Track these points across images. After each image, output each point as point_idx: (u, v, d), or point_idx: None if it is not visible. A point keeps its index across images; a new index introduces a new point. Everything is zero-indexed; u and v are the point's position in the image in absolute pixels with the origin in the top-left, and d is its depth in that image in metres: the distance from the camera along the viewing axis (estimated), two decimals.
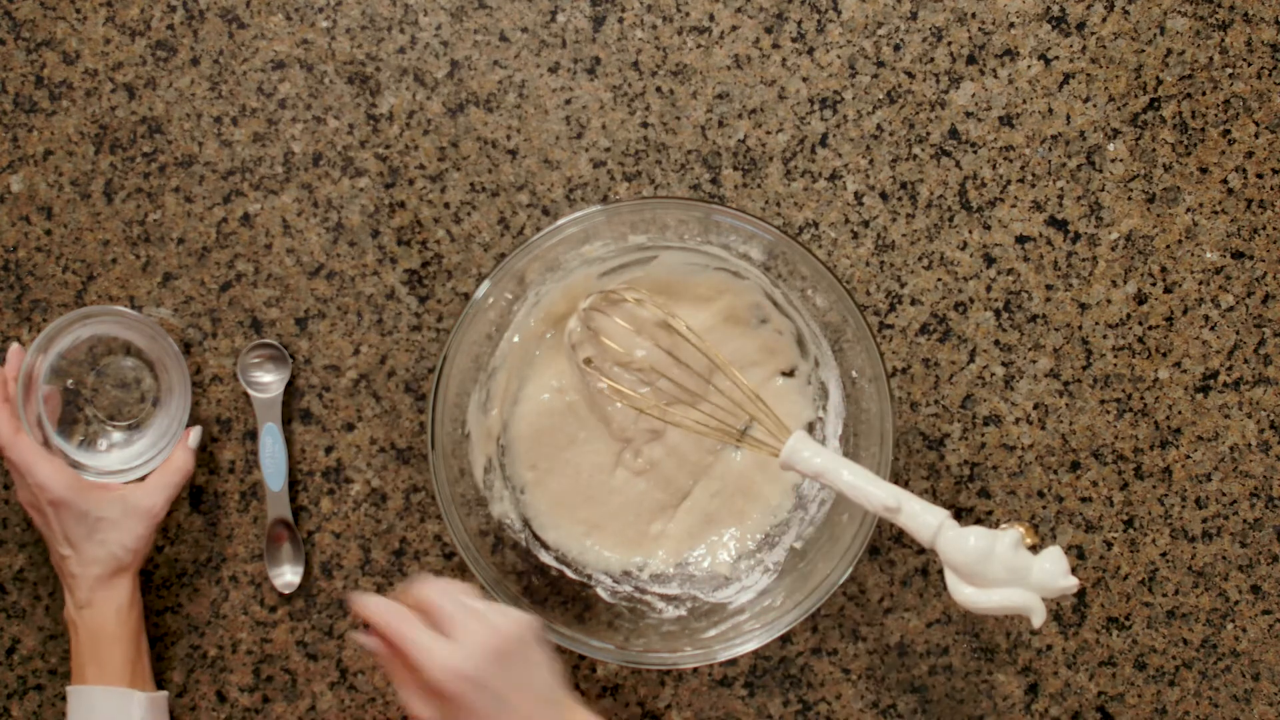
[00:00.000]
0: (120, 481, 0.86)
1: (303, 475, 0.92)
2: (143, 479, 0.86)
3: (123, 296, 0.92)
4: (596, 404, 0.89)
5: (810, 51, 0.92)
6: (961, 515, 0.93)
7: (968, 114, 0.92)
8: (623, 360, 0.87)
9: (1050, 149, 0.92)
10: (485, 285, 0.82)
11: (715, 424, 0.86)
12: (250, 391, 0.90)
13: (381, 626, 0.71)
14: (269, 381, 0.91)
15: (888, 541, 0.93)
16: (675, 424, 0.86)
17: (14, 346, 0.85)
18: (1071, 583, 0.73)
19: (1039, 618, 0.73)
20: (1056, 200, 0.92)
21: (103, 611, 0.83)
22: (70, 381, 0.89)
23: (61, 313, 0.92)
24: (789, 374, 0.91)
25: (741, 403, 0.86)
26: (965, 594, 0.75)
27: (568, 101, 0.92)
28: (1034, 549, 0.74)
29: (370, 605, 0.72)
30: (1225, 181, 0.92)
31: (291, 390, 0.92)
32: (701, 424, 0.86)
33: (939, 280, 0.92)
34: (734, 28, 0.91)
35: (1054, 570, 0.73)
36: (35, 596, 0.93)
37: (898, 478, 0.92)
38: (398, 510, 0.92)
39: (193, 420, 0.90)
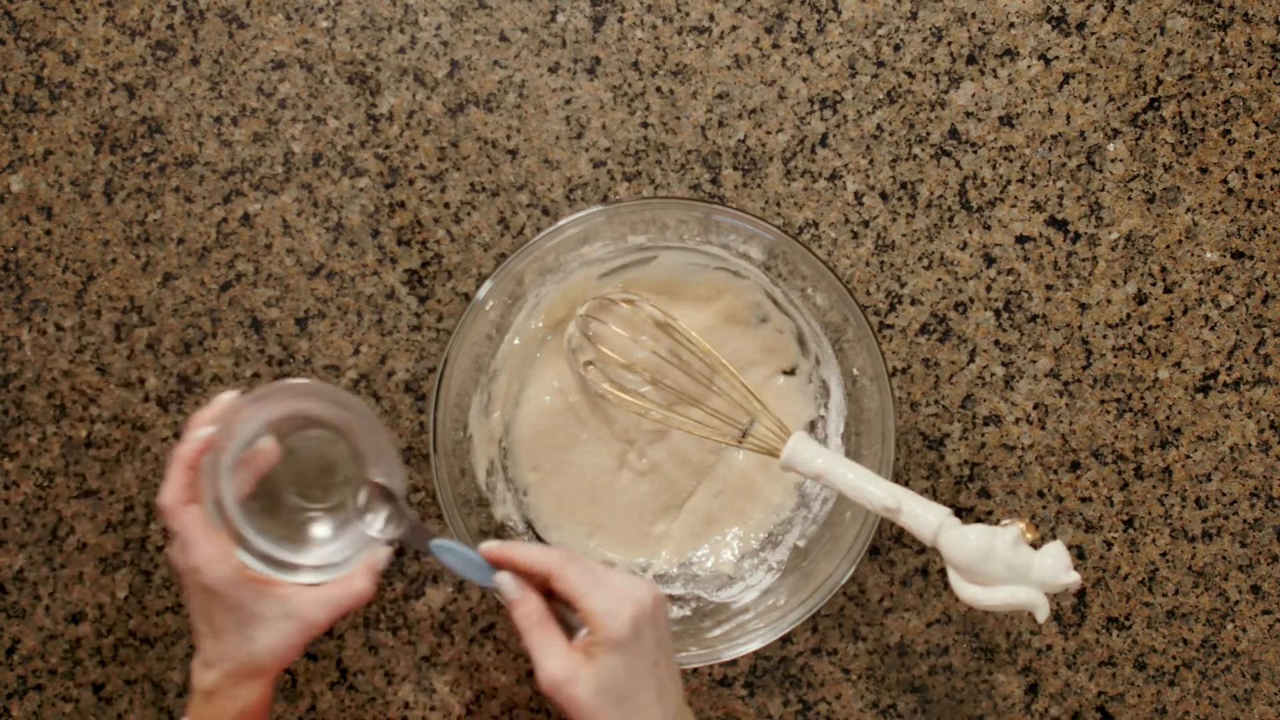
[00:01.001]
0: (290, 581, 0.74)
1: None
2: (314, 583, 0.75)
3: (123, 296, 0.92)
4: (599, 405, 0.89)
5: (810, 51, 0.92)
6: (962, 515, 0.93)
7: (968, 114, 0.92)
8: (622, 364, 0.87)
9: (1050, 149, 0.92)
10: (486, 286, 0.82)
11: (716, 425, 0.86)
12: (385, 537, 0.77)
13: (552, 569, 0.70)
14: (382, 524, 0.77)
15: (888, 541, 0.93)
16: (676, 426, 0.86)
17: (225, 395, 0.74)
18: (1074, 578, 0.73)
19: (1042, 613, 0.73)
20: (1056, 200, 0.92)
21: (223, 710, 0.74)
22: (263, 441, 0.76)
23: (62, 314, 0.92)
24: (790, 373, 0.91)
25: (742, 402, 0.86)
26: (968, 592, 0.75)
27: (568, 101, 0.92)
28: (1035, 545, 0.74)
29: (538, 552, 0.71)
30: (1225, 181, 0.92)
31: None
32: (702, 424, 0.86)
33: (939, 280, 0.92)
34: (734, 28, 0.91)
35: (1055, 566, 0.73)
36: (35, 596, 0.93)
37: (898, 477, 0.92)
38: None
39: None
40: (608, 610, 0.68)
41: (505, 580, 0.73)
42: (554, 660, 0.69)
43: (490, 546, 0.73)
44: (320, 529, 0.78)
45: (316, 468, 0.77)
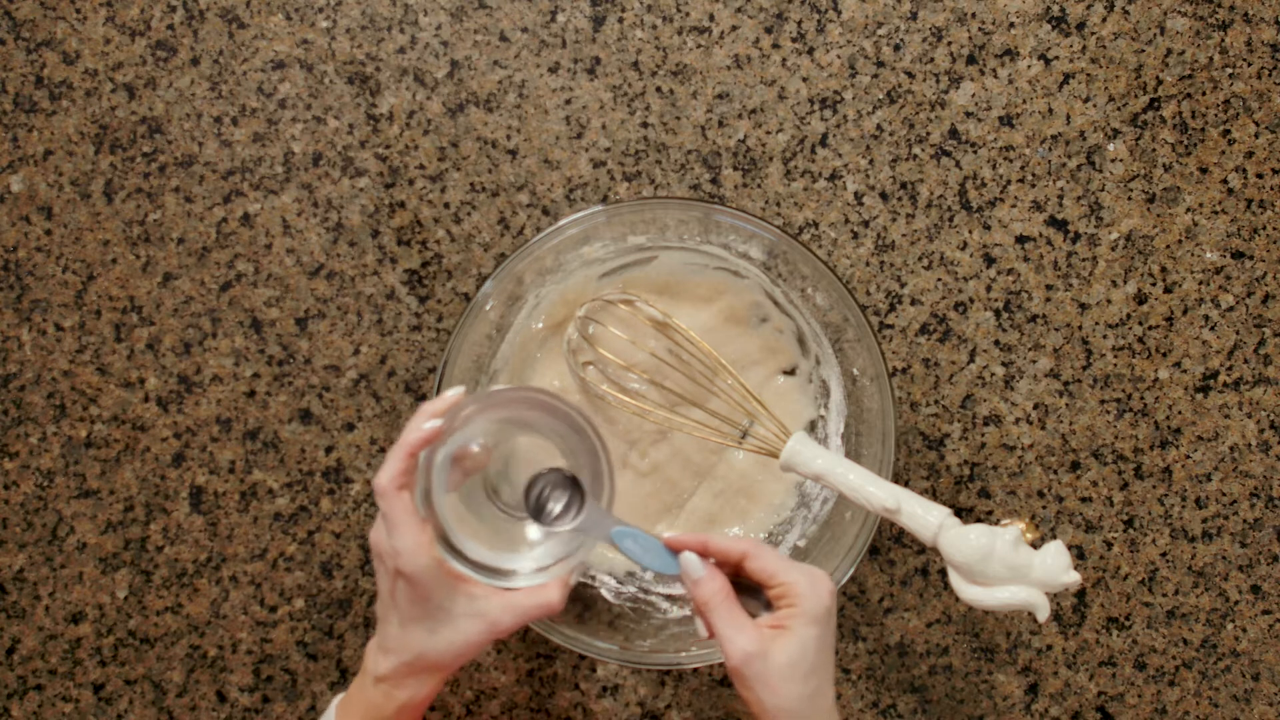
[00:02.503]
0: (488, 582, 0.73)
1: (303, 475, 0.92)
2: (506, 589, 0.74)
3: (123, 296, 0.92)
4: (600, 406, 0.89)
5: (810, 51, 0.92)
6: (962, 515, 0.93)
7: (968, 114, 0.92)
8: (621, 365, 0.87)
9: (1050, 149, 0.92)
10: (486, 286, 0.82)
11: (716, 426, 0.86)
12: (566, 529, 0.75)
13: (747, 550, 0.71)
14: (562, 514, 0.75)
15: (888, 541, 0.93)
16: (676, 428, 0.86)
17: (455, 390, 0.73)
18: (1074, 578, 0.73)
19: (1043, 613, 0.73)
20: (1056, 200, 0.92)
21: (391, 696, 0.73)
22: (476, 445, 0.75)
23: (62, 314, 0.92)
24: (790, 373, 0.91)
25: (741, 403, 0.86)
26: (968, 592, 0.75)
27: (568, 101, 0.92)
28: (1035, 545, 0.74)
29: (725, 539, 0.73)
30: (1225, 181, 0.92)
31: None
32: (703, 424, 0.86)
33: (939, 280, 0.92)
34: (734, 28, 0.91)
35: (1055, 566, 0.73)
36: (35, 596, 0.93)
37: (898, 477, 0.92)
38: None
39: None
40: (809, 584, 0.70)
41: (691, 559, 0.73)
42: (743, 635, 0.69)
43: (677, 535, 0.74)
44: (520, 535, 0.77)
45: (526, 476, 0.75)
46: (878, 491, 0.77)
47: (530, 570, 0.74)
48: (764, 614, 0.72)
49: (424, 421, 0.71)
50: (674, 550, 0.73)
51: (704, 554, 0.73)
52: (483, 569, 0.73)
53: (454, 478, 0.74)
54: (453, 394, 0.72)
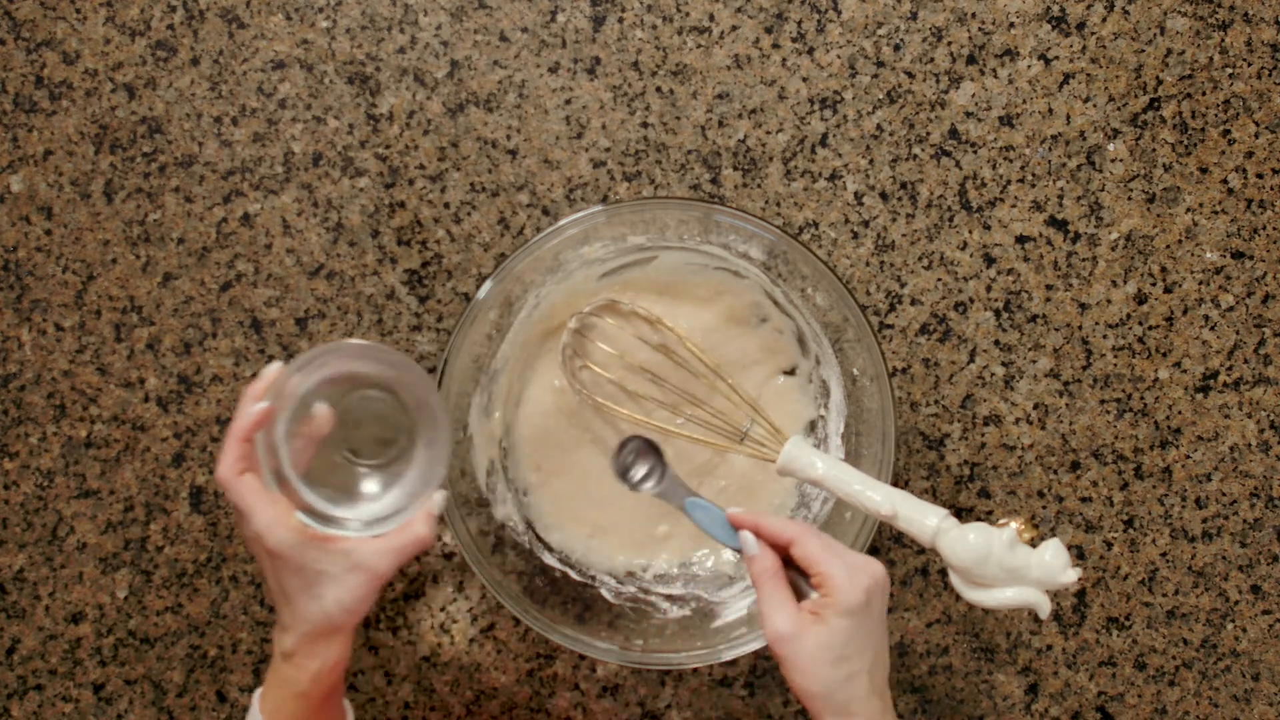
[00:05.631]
0: (353, 535, 0.75)
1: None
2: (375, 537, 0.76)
3: (123, 296, 0.92)
4: (601, 409, 0.89)
5: (810, 51, 0.92)
6: (961, 515, 0.93)
7: (968, 114, 0.92)
8: (611, 380, 0.87)
9: (1050, 149, 0.92)
10: (486, 286, 0.82)
11: (717, 427, 0.86)
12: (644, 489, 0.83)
13: (795, 536, 0.74)
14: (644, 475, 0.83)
15: (888, 541, 0.93)
16: (673, 434, 0.85)
17: (271, 366, 0.75)
18: (1072, 577, 0.73)
19: (1044, 611, 0.74)
20: (1056, 200, 0.92)
21: (302, 669, 0.75)
22: (318, 408, 0.77)
23: (62, 314, 0.92)
24: (790, 373, 0.91)
25: (738, 408, 0.86)
26: (970, 593, 0.75)
27: (568, 101, 0.92)
28: (1033, 543, 0.74)
29: (778, 521, 0.75)
30: (1225, 181, 0.92)
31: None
32: (703, 425, 0.86)
33: (939, 280, 0.92)
34: (734, 28, 0.91)
35: (1054, 564, 0.73)
36: (35, 596, 0.93)
37: (898, 478, 0.92)
38: None
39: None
40: (845, 576, 0.71)
41: (748, 537, 0.77)
42: (781, 615, 0.72)
43: (737, 512, 0.78)
44: (375, 484, 0.79)
45: (369, 426, 0.79)
46: (875, 495, 0.77)
47: (392, 512, 0.77)
48: (812, 596, 0.74)
49: (250, 406, 0.73)
50: (735, 527, 0.78)
51: (757, 533, 0.76)
52: (345, 524, 0.76)
53: (300, 445, 0.77)
54: (270, 371, 0.75)
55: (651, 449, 0.84)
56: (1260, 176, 0.92)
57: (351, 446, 0.80)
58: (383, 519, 0.77)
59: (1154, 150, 0.92)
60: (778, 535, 0.75)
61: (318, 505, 0.76)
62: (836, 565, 0.72)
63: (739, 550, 0.77)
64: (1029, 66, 0.92)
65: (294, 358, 0.75)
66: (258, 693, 0.77)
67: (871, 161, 0.92)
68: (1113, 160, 0.92)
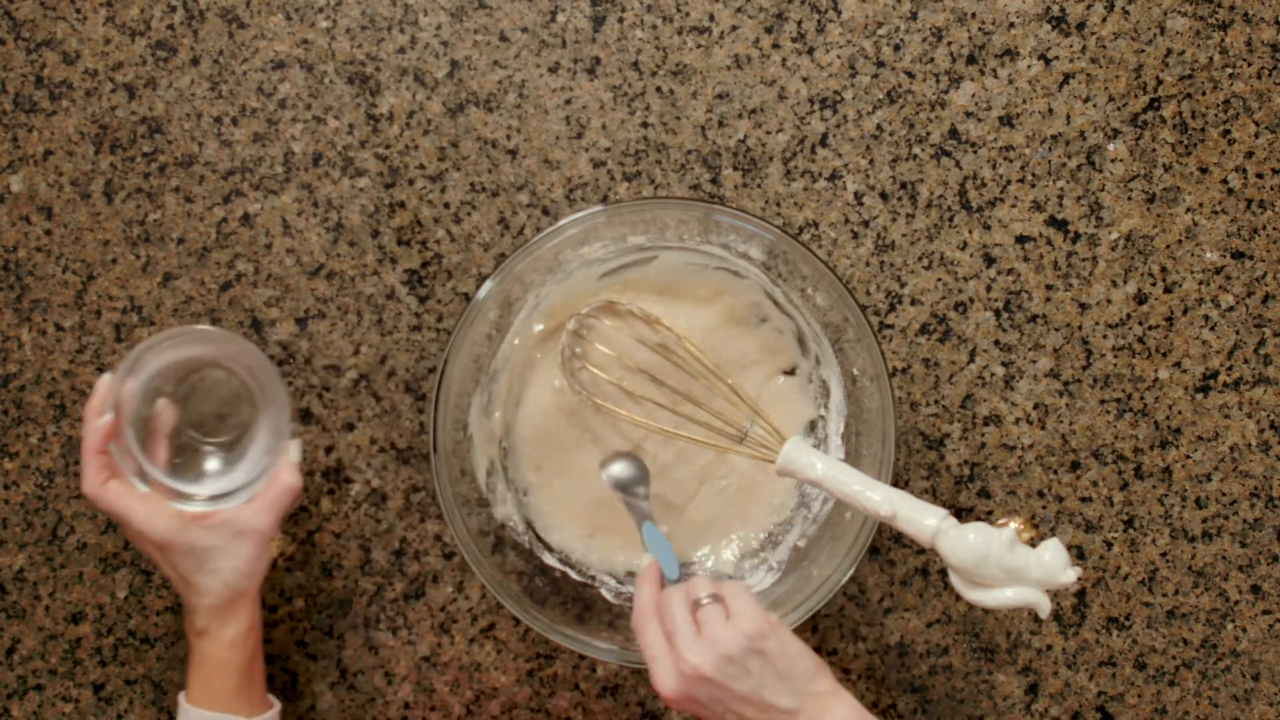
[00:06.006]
0: (226, 507, 0.80)
1: (302, 475, 0.92)
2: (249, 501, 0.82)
3: (123, 296, 0.92)
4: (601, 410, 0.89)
5: (810, 51, 0.92)
6: (961, 515, 0.93)
7: (968, 114, 0.92)
8: (610, 381, 0.87)
9: (1050, 149, 0.92)
10: (486, 286, 0.82)
11: (716, 429, 0.86)
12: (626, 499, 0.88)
13: (662, 605, 0.77)
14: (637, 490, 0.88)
15: (888, 541, 0.93)
16: (671, 435, 0.85)
17: (103, 379, 0.79)
18: (1072, 576, 0.73)
19: (1044, 611, 0.74)
20: (1056, 200, 0.92)
21: (217, 640, 0.80)
22: (157, 401, 0.82)
23: (62, 314, 0.92)
24: (790, 373, 0.91)
25: (740, 405, 0.86)
26: (970, 593, 0.75)
27: (568, 101, 0.92)
28: (1032, 543, 0.74)
29: (648, 596, 0.78)
30: (1225, 181, 0.92)
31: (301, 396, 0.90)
32: (702, 426, 0.86)
33: (939, 280, 0.92)
34: (734, 28, 0.91)
35: (1054, 564, 0.73)
36: (35, 596, 0.93)
37: (898, 477, 0.92)
38: (398, 510, 0.92)
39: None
40: (657, 677, 0.75)
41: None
42: (657, 667, 0.75)
43: (644, 587, 0.80)
44: (233, 455, 0.85)
45: (212, 405, 0.85)
46: (874, 496, 0.77)
47: (256, 475, 0.82)
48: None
49: (94, 422, 0.79)
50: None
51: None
52: (217, 498, 0.81)
53: (156, 448, 0.82)
54: (102, 384, 0.79)
55: (638, 466, 0.88)
56: (1260, 176, 0.92)
57: (202, 428, 0.85)
58: (250, 483, 0.82)
59: (1154, 150, 0.92)
60: (644, 606, 0.78)
61: (186, 490, 0.81)
62: (654, 667, 0.74)
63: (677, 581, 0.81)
64: (1029, 66, 0.92)
65: (118, 363, 0.80)
66: (181, 695, 0.81)
67: (871, 161, 0.92)
68: (1113, 160, 0.92)
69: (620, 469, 0.88)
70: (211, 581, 0.79)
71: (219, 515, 0.79)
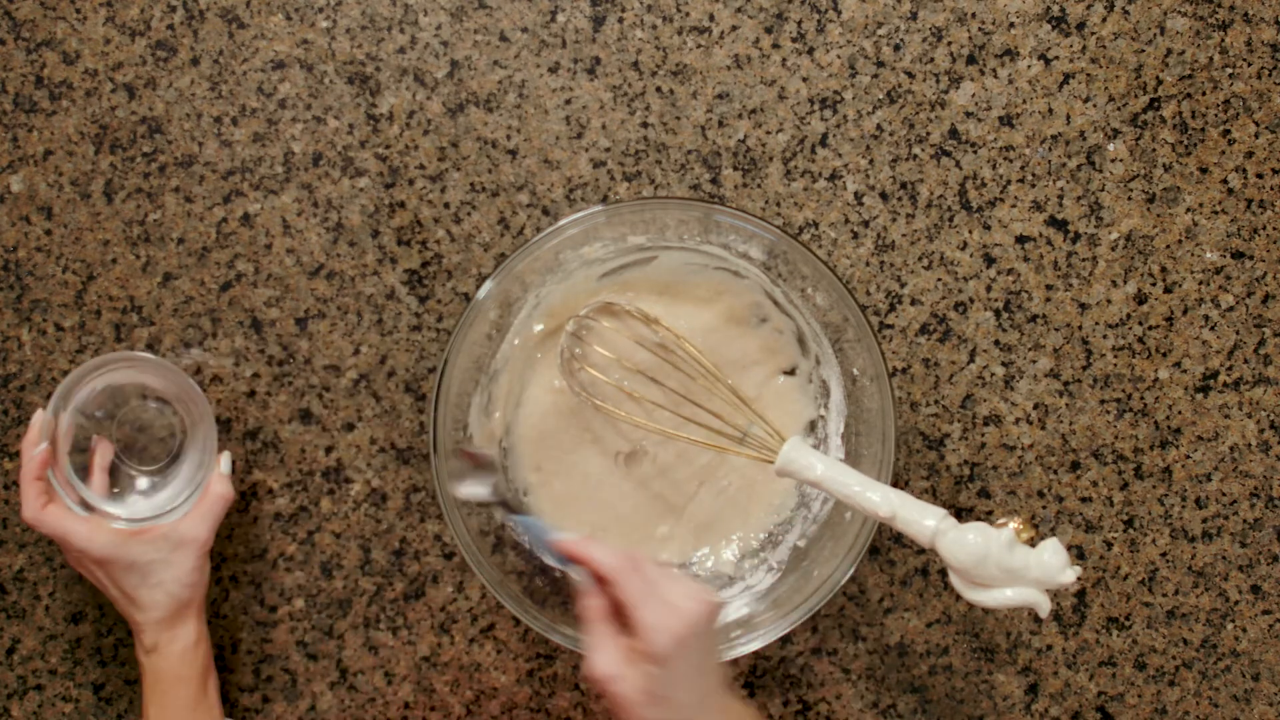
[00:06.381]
0: (162, 524, 0.84)
1: (303, 475, 0.92)
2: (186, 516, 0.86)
3: (123, 296, 0.92)
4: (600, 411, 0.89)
5: (810, 51, 0.92)
6: (961, 515, 0.93)
7: (968, 114, 0.92)
8: (609, 383, 0.87)
9: (1050, 149, 0.92)
10: (486, 286, 0.82)
11: (715, 430, 0.86)
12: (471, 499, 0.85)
13: (612, 576, 0.71)
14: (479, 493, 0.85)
15: (888, 541, 0.93)
16: (670, 437, 0.85)
17: (37, 415, 0.84)
18: (1071, 576, 0.73)
19: (1044, 611, 0.74)
20: (1056, 200, 0.92)
21: (167, 654, 0.83)
22: (92, 436, 0.87)
23: (62, 314, 0.92)
24: (790, 373, 0.91)
25: (739, 406, 0.86)
26: (970, 593, 0.75)
27: (568, 101, 0.92)
28: (1031, 542, 0.74)
29: (603, 555, 0.73)
30: (1225, 181, 0.92)
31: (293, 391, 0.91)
32: (702, 427, 0.86)
33: (939, 280, 0.92)
34: (734, 28, 0.91)
35: (1053, 564, 0.73)
36: (35, 596, 0.93)
37: (898, 477, 0.92)
38: (398, 510, 0.92)
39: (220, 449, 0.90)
40: (654, 625, 0.69)
41: (580, 572, 0.75)
42: (603, 657, 0.71)
43: (564, 540, 0.75)
44: (168, 472, 0.89)
45: (145, 431, 0.89)
46: (873, 497, 0.77)
47: (192, 489, 0.86)
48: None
49: (31, 452, 0.82)
50: (564, 555, 0.76)
51: (585, 564, 0.74)
52: (155, 518, 0.85)
53: (97, 481, 0.86)
54: (37, 420, 0.83)
55: (483, 463, 0.85)
56: (1260, 176, 0.92)
57: (134, 455, 0.89)
58: (185, 498, 0.86)
59: (1154, 150, 0.92)
60: (600, 570, 0.73)
61: (126, 514, 0.85)
62: (648, 610, 0.69)
63: (564, 571, 0.78)
64: (1029, 66, 0.92)
65: (50, 398, 0.83)
66: None
67: (871, 161, 0.92)
68: (1113, 160, 0.92)
69: (472, 490, 0.84)
70: (156, 594, 0.83)
71: (157, 529, 0.83)
